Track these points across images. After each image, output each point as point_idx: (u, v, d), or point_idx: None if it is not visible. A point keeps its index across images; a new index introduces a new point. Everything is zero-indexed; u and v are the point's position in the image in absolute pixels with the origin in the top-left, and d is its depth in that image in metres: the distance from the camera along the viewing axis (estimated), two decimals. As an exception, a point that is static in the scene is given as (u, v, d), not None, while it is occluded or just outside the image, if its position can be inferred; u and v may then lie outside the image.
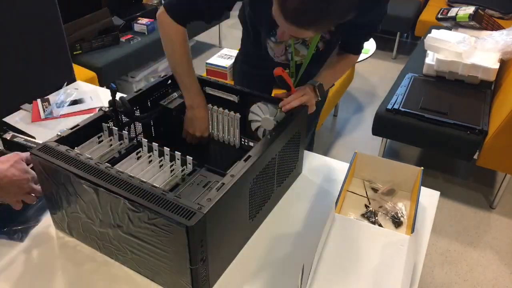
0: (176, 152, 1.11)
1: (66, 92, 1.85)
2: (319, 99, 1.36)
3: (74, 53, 3.03)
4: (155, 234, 0.92)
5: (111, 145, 1.19)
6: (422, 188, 1.35)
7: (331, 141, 3.16)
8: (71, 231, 1.15)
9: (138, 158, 1.15)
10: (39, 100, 1.78)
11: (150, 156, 1.15)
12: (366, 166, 1.37)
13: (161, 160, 1.13)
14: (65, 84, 1.92)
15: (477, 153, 2.37)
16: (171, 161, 1.13)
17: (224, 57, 3.14)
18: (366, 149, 3.07)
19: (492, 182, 2.78)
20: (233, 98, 1.34)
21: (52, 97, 1.82)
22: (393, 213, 1.26)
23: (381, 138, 2.74)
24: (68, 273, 1.08)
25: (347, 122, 3.38)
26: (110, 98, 1.20)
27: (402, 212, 1.26)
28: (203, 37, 4.66)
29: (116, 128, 1.18)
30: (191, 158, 1.10)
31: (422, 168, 1.31)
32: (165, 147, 1.12)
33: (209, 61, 3.10)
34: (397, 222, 1.23)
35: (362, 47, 1.48)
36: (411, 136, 2.50)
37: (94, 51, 3.13)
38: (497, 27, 2.95)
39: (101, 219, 1.01)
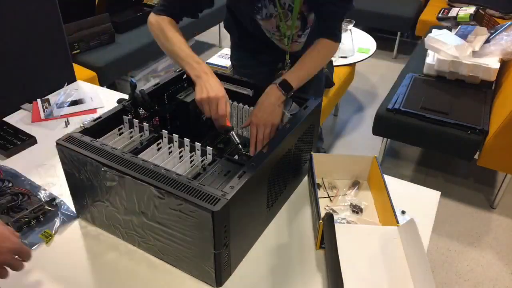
0: (196, 143, 1.14)
1: (66, 93, 1.86)
2: (286, 97, 1.32)
3: (73, 52, 3.05)
4: (180, 220, 0.95)
5: (131, 137, 1.22)
6: (423, 188, 1.37)
7: (331, 141, 3.19)
8: (94, 219, 1.18)
9: (158, 149, 1.18)
10: (39, 100, 1.79)
11: (170, 147, 1.18)
12: (323, 165, 1.35)
13: (181, 151, 1.16)
14: (66, 84, 1.94)
15: (477, 153, 2.38)
16: (191, 152, 1.16)
17: (224, 57, 3.18)
18: (366, 149, 3.10)
19: (493, 182, 2.80)
20: (247, 92, 1.38)
21: (52, 97, 1.83)
22: (350, 203, 1.30)
23: (381, 138, 2.76)
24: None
25: (347, 122, 3.41)
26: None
27: (359, 201, 1.30)
28: (203, 37, 4.69)
29: (137, 121, 1.21)
30: (211, 148, 1.13)
31: (375, 156, 1.32)
32: (185, 138, 1.15)
33: (209, 61, 3.13)
34: (356, 211, 1.27)
35: (335, 31, 1.44)
36: (411, 136, 2.52)
37: (92, 50, 3.17)
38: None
39: (126, 207, 1.04)
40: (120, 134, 1.22)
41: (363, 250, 1.07)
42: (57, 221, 1.21)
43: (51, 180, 1.36)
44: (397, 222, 1.11)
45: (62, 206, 1.25)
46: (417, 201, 1.32)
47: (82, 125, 1.14)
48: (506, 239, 2.39)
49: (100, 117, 1.17)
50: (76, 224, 1.21)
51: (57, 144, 1.07)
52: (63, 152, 1.07)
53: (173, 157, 1.15)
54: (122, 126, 1.23)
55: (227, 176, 1.09)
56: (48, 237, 1.16)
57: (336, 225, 1.06)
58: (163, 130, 1.19)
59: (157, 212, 0.98)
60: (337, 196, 1.33)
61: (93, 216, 1.17)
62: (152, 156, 1.15)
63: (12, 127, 1.62)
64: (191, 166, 1.14)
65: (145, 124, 1.21)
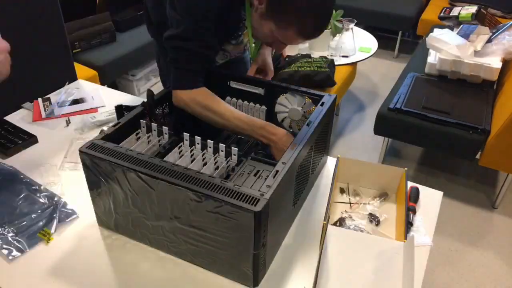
0: (220, 144, 1.12)
1: (67, 92, 1.84)
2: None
3: (74, 51, 3.04)
4: (218, 222, 0.93)
5: (149, 141, 1.20)
6: (425, 188, 1.36)
7: (332, 141, 3.18)
8: (117, 227, 1.15)
9: (180, 152, 1.16)
10: (40, 99, 1.77)
11: (192, 150, 1.15)
12: (350, 170, 1.32)
13: (203, 153, 1.14)
14: (67, 83, 1.91)
15: (479, 152, 2.38)
16: (214, 153, 1.13)
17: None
18: (368, 148, 3.10)
19: (495, 182, 2.81)
20: (259, 90, 1.36)
21: (53, 96, 1.81)
22: (370, 213, 1.26)
23: (383, 138, 2.75)
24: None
25: (348, 122, 3.40)
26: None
27: (380, 213, 1.26)
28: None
29: (156, 124, 1.18)
30: (236, 149, 1.11)
31: (405, 169, 1.28)
32: (208, 140, 1.13)
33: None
34: (374, 222, 1.23)
35: None
36: (413, 135, 2.52)
37: (94, 49, 3.16)
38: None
39: (157, 212, 1.01)
40: (137, 139, 1.20)
41: (358, 259, 1.06)
42: (57, 220, 1.20)
43: (52, 180, 1.35)
44: (405, 237, 1.09)
45: (62, 206, 1.24)
46: (420, 201, 1.31)
47: (102, 130, 1.11)
48: (508, 239, 2.39)
49: (119, 123, 1.15)
50: (76, 223, 1.20)
51: (81, 152, 1.03)
52: (87, 160, 1.04)
53: (196, 160, 1.13)
54: (139, 130, 1.21)
55: (257, 176, 1.08)
56: (47, 236, 1.15)
57: (338, 230, 1.08)
58: (184, 133, 1.16)
59: (191, 215, 0.96)
60: (357, 204, 1.30)
61: (116, 223, 1.13)
62: (175, 160, 1.12)
63: (13, 126, 1.60)
64: (216, 168, 1.12)
65: (164, 128, 1.19)
